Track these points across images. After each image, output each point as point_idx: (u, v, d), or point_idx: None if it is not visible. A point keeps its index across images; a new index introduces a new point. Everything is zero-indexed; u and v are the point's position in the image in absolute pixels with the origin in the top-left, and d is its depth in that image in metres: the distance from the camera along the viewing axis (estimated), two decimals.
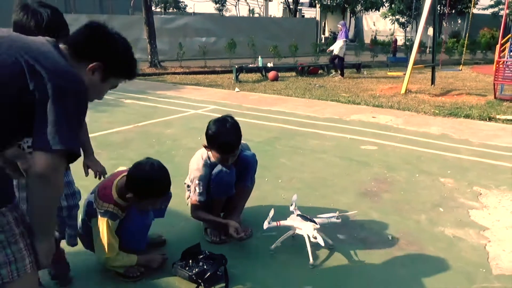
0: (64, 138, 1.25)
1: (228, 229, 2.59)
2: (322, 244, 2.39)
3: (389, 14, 32.75)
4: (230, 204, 2.83)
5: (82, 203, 2.27)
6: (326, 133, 5.64)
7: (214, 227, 2.73)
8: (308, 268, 2.41)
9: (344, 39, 12.35)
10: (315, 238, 2.40)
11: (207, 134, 2.50)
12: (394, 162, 4.37)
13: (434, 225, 2.97)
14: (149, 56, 15.25)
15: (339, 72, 12.75)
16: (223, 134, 2.42)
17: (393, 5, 30.66)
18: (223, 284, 2.23)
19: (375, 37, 26.43)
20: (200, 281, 2.20)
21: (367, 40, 27.94)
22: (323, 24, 37.93)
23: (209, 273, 2.22)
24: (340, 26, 12.73)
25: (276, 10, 41.89)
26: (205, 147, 2.58)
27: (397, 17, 32.34)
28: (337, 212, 2.64)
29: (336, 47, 12.32)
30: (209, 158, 2.61)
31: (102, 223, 2.15)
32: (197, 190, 2.57)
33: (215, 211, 2.78)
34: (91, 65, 1.39)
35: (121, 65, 1.50)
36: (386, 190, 3.62)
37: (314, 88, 10.09)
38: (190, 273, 2.22)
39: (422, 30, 9.66)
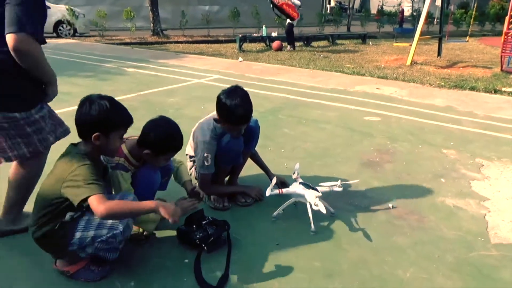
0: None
1: (250, 195, 2.78)
2: (324, 211, 2.42)
3: None
4: (232, 170, 2.87)
5: None
6: (329, 103, 5.61)
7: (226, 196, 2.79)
8: (309, 235, 2.46)
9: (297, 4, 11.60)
10: (317, 205, 2.43)
11: (221, 108, 2.46)
12: (397, 133, 4.37)
13: (435, 195, 3.00)
14: (152, 24, 15.04)
15: (291, 45, 11.92)
16: (240, 107, 2.40)
17: None
18: (226, 249, 2.28)
19: (381, 7, 25.84)
20: (203, 245, 2.24)
21: (374, 10, 27.34)
22: None
23: (212, 238, 2.26)
24: None
25: None
26: (215, 120, 2.56)
27: None
28: (339, 181, 2.65)
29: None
30: (215, 129, 2.60)
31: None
32: (206, 164, 2.57)
33: (220, 179, 2.81)
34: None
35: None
36: (388, 160, 3.63)
37: (318, 59, 9.98)
38: (194, 238, 2.27)
39: (430, 1, 9.43)
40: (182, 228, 2.35)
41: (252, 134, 2.76)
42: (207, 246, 2.25)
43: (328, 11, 27.06)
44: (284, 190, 2.60)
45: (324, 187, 2.64)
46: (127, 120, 1.99)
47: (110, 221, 1.92)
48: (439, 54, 10.46)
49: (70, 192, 1.76)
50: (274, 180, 2.57)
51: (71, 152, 1.91)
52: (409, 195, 3.00)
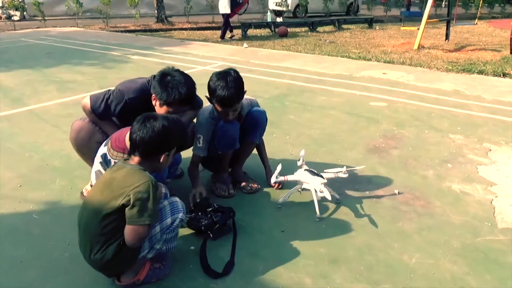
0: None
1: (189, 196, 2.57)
2: (329, 198, 2.41)
3: None
4: (235, 158, 2.86)
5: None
6: (335, 89, 5.57)
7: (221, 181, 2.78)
8: (315, 221, 2.46)
9: None
10: (322, 192, 2.43)
11: (208, 86, 2.47)
12: (404, 119, 4.33)
13: (442, 181, 2.98)
14: (156, 11, 14.94)
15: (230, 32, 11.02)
16: (223, 88, 2.38)
17: None
18: (231, 236, 2.29)
19: None
20: (209, 232, 2.25)
21: None
22: None
23: (217, 225, 2.27)
24: None
25: None
26: (207, 98, 2.56)
27: None
28: (345, 167, 2.64)
29: (222, 5, 10.75)
30: (213, 111, 2.59)
31: None
32: (198, 145, 2.57)
33: (223, 166, 2.80)
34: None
35: None
36: (394, 146, 3.61)
37: (324, 44, 9.88)
38: (199, 225, 2.27)
39: None
40: (188, 216, 2.36)
41: (255, 123, 2.73)
42: (213, 233, 2.26)
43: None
44: (289, 177, 2.60)
45: (329, 173, 2.63)
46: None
47: (168, 207, 1.91)
48: (447, 37, 10.29)
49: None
50: (279, 168, 2.57)
51: (133, 168, 1.84)
52: (415, 180, 2.99)
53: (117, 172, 1.86)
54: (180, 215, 1.93)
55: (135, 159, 1.88)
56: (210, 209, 2.38)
